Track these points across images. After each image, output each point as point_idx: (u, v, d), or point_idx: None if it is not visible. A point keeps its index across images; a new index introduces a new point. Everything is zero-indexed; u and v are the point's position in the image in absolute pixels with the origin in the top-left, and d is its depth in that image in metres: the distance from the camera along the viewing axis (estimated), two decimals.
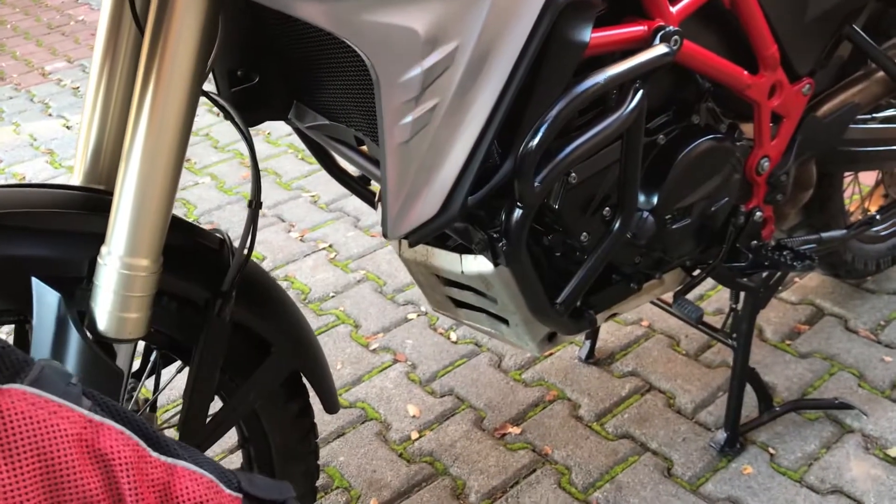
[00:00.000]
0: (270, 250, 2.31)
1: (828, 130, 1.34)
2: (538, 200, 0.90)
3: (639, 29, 1.02)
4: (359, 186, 1.39)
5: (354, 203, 2.53)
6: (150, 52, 0.80)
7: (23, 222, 0.88)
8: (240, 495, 0.54)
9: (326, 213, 2.51)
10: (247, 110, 1.13)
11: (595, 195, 1.09)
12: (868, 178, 1.97)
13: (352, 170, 1.43)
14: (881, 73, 1.37)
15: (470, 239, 0.97)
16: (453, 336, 1.92)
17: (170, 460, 0.52)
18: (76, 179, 1.02)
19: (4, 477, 0.45)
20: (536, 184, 0.88)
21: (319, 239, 2.38)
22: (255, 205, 0.95)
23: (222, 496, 0.53)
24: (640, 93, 0.95)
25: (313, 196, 2.60)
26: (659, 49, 0.94)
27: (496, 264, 0.97)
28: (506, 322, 1.20)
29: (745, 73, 1.19)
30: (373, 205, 1.37)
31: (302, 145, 2.78)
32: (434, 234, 0.88)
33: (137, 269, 0.85)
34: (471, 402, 1.71)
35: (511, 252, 0.92)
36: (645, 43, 1.02)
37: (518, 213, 0.89)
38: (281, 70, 1.13)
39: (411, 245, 0.92)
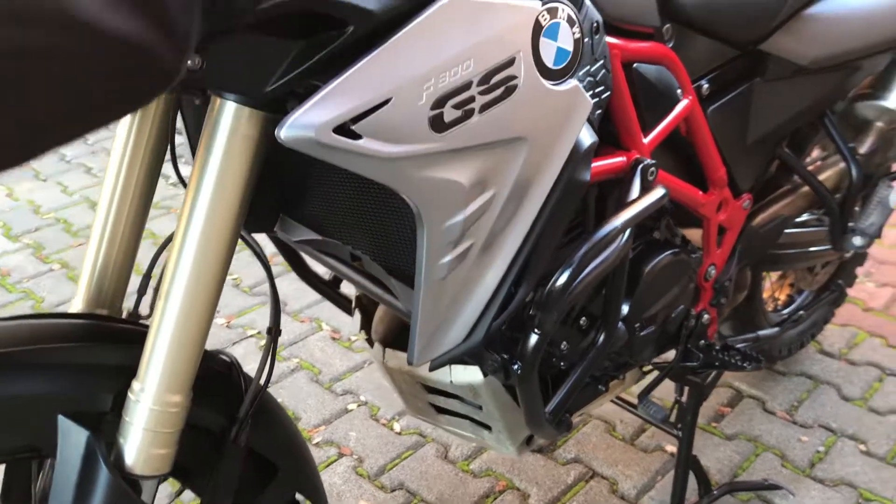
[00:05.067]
0: None
1: (764, 239, 1.47)
2: (555, 328, 0.97)
3: (620, 160, 1.11)
4: (331, 291, 1.41)
5: (280, 286, 2.53)
6: (194, 199, 0.82)
7: (40, 358, 0.87)
8: None
9: (251, 298, 2.49)
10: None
11: (574, 307, 1.17)
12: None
13: (322, 273, 1.46)
14: (806, 188, 1.53)
15: (482, 361, 1.02)
16: (397, 426, 1.94)
17: None
18: (78, 304, 1.01)
19: None
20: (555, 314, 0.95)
21: (247, 325, 2.36)
22: (274, 331, 0.97)
23: None
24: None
25: (235, 279, 2.58)
26: (658, 192, 1.03)
27: (508, 384, 1.03)
28: (488, 428, 1.24)
29: (700, 192, 1.31)
30: (348, 311, 1.39)
31: None
32: (458, 359, 0.93)
33: (170, 405, 0.85)
34: (422, 496, 1.73)
35: (525, 373, 0.98)
36: (625, 173, 1.12)
37: (535, 338, 0.96)
38: (272, 183, 1.16)
39: (432, 369, 0.96)
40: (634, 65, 1.11)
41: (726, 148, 1.33)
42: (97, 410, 0.87)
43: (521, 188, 0.86)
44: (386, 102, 0.73)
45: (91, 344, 0.91)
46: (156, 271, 1.08)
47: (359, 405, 2.02)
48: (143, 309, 1.07)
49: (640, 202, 1.00)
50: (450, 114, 0.77)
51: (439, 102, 0.76)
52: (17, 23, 0.42)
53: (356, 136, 0.73)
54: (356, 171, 0.76)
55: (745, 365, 1.36)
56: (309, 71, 0.74)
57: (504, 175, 0.84)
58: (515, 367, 0.97)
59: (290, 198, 1.17)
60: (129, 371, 0.89)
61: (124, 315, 1.05)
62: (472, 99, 0.78)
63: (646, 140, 1.16)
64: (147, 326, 0.99)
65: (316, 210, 1.14)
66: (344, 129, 0.73)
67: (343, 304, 1.42)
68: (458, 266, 0.86)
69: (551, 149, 0.86)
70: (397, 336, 1.28)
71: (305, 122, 0.71)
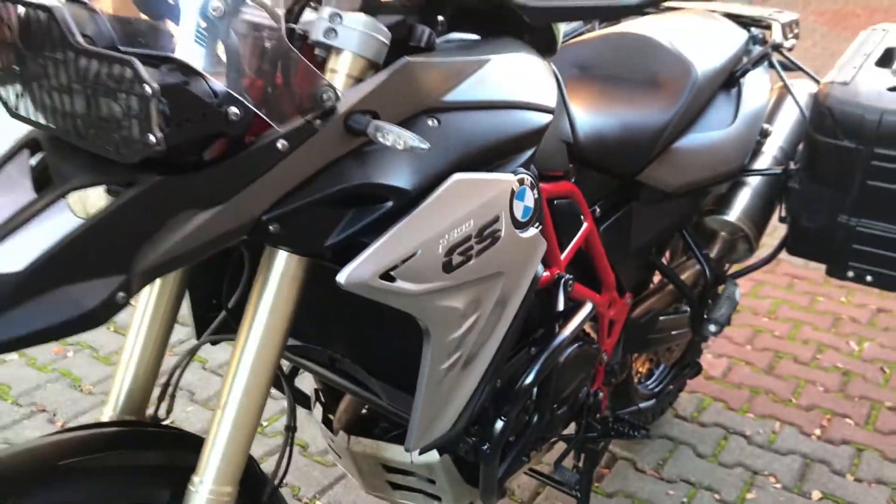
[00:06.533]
0: None
1: (642, 329, 1.81)
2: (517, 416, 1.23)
3: (546, 275, 1.41)
4: (288, 386, 1.60)
5: (185, 375, 2.63)
6: (249, 328, 1.03)
7: (100, 464, 1.03)
8: None
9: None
10: (216, 332, 1.35)
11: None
12: None
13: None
14: (671, 286, 1.89)
15: (457, 445, 1.26)
16: None
17: None
18: (110, 412, 1.18)
19: None
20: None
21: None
22: (291, 428, 1.17)
23: None
24: None
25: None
26: (587, 307, 1.33)
27: (476, 462, 1.27)
28: (438, 499, 1.48)
29: (597, 294, 1.63)
30: (304, 405, 1.59)
31: None
32: (443, 444, 1.17)
33: (223, 494, 1.03)
34: None
35: (493, 453, 1.23)
36: (549, 286, 1.41)
37: (501, 424, 1.22)
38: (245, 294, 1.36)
39: (421, 453, 1.19)
40: (555, 201, 1.41)
41: (613, 258, 1.66)
42: None
43: (498, 309, 1.13)
44: (414, 254, 0.99)
45: (138, 449, 1.08)
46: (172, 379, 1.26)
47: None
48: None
49: (579, 316, 1.29)
50: (456, 259, 1.03)
51: (450, 251, 1.02)
52: None
53: (392, 280, 0.98)
54: (389, 304, 1.00)
55: (635, 434, 1.67)
56: (356, 232, 0.98)
57: (487, 300, 1.11)
58: (485, 447, 1.22)
59: None
60: (178, 469, 1.06)
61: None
62: (471, 247, 1.04)
63: (562, 258, 1.47)
64: (170, 428, 1.17)
65: (299, 320, 1.35)
66: (384, 275, 0.97)
67: (299, 397, 1.61)
68: (451, 371, 1.11)
69: (521, 279, 1.14)
70: (360, 424, 1.49)
71: (361, 272, 0.95)
